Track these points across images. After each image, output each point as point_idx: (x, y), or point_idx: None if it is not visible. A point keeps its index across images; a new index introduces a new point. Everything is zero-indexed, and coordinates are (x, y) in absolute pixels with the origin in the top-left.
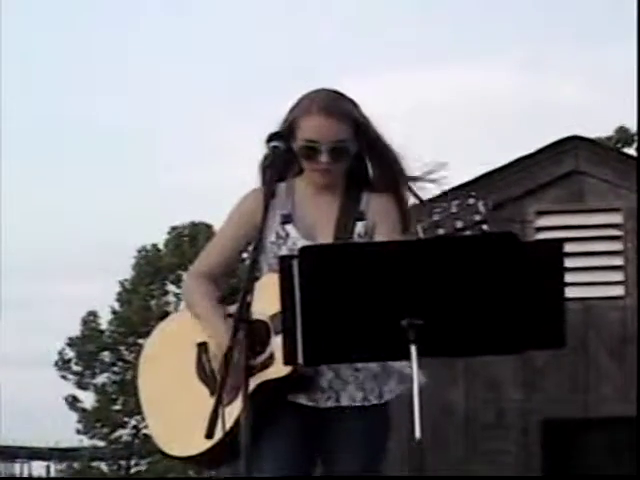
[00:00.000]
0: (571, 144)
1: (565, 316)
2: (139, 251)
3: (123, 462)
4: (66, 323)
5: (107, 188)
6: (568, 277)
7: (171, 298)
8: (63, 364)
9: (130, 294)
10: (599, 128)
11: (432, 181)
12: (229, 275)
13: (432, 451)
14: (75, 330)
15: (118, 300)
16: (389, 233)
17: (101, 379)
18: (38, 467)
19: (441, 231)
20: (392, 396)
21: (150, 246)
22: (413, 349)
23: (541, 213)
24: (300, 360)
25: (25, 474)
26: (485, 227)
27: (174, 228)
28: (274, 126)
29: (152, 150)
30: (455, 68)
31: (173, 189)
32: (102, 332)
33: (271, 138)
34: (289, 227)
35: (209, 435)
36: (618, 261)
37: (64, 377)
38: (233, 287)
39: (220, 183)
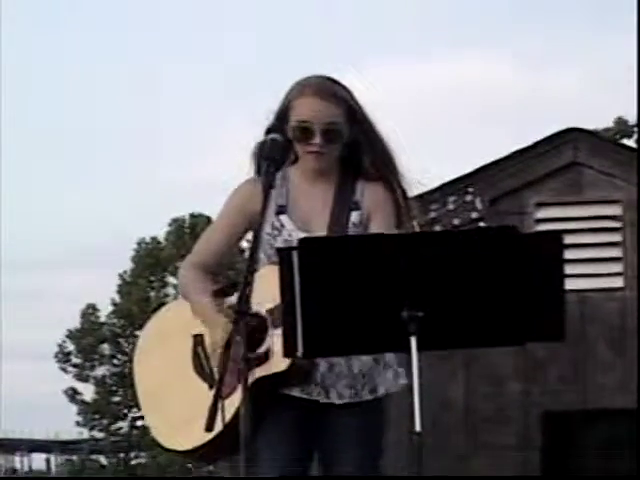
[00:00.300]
0: (570, 136)
1: (565, 309)
2: (138, 243)
3: (123, 455)
4: (66, 316)
5: (107, 182)
6: (567, 269)
7: (170, 290)
8: (63, 357)
9: (130, 286)
10: (598, 120)
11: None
12: (224, 265)
13: (432, 444)
14: (74, 323)
15: (118, 292)
16: (383, 228)
17: (101, 371)
18: (38, 459)
19: (438, 228)
20: (386, 392)
21: (149, 238)
22: (413, 341)
23: (540, 205)
24: (300, 352)
25: (25, 466)
26: (482, 224)
27: (175, 220)
28: (270, 114)
29: (152, 144)
30: (453, 60)
31: (172, 183)
32: (102, 325)
33: (270, 130)
34: (284, 218)
35: (209, 428)
36: (617, 253)
37: (64, 370)
38: (232, 280)
39: (219, 175)
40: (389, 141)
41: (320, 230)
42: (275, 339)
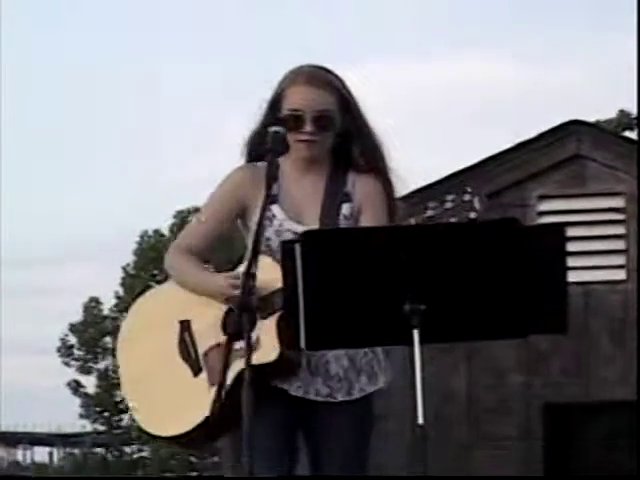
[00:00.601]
0: (573, 128)
1: (567, 301)
2: (141, 236)
3: (125, 448)
4: (68, 310)
5: (108, 176)
6: (570, 261)
7: None
8: (65, 350)
9: (133, 279)
10: (600, 111)
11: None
12: (211, 252)
13: (435, 436)
14: (77, 317)
15: (122, 285)
16: (373, 222)
17: (103, 364)
18: (41, 452)
19: None
20: (362, 394)
21: (152, 231)
22: (416, 334)
23: (543, 197)
24: (302, 345)
25: (28, 460)
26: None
27: (180, 212)
28: (264, 103)
29: (154, 139)
30: (453, 59)
31: (174, 177)
32: (104, 318)
33: (273, 123)
34: (275, 207)
35: (213, 415)
36: (620, 245)
37: (66, 363)
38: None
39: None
40: (380, 134)
41: (311, 221)
42: (264, 329)
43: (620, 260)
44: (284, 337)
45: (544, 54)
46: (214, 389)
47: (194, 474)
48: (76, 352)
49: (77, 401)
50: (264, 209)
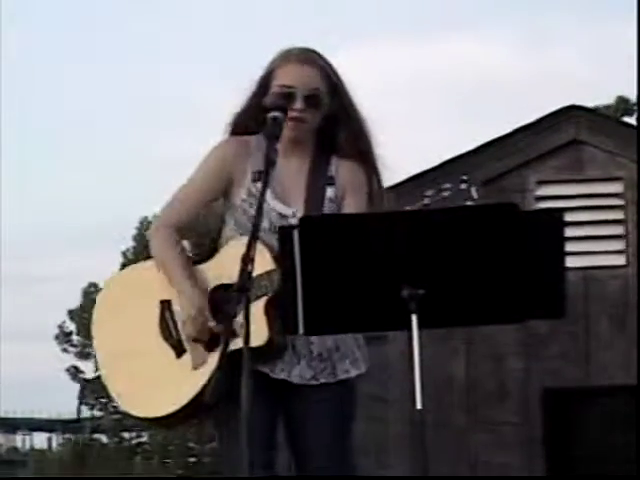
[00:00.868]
0: (571, 113)
1: (566, 286)
2: (141, 222)
3: (125, 434)
4: (67, 296)
5: (106, 162)
6: (569, 246)
7: None
8: (64, 337)
9: (132, 264)
10: (599, 97)
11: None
12: (192, 227)
13: (434, 421)
14: (76, 303)
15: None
16: (356, 209)
17: None
18: (40, 438)
19: None
20: (346, 377)
21: (152, 217)
22: (414, 319)
23: (541, 182)
24: (301, 330)
25: (27, 446)
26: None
27: None
28: (253, 84)
29: (151, 124)
30: (452, 39)
31: (173, 161)
32: None
33: (271, 108)
34: (261, 185)
35: (211, 399)
36: (619, 230)
37: (65, 350)
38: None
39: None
40: (367, 120)
41: (297, 202)
42: (253, 312)
43: (619, 245)
44: (273, 321)
45: (542, 39)
46: (198, 372)
47: (193, 460)
48: (75, 338)
49: (76, 387)
50: (263, 194)
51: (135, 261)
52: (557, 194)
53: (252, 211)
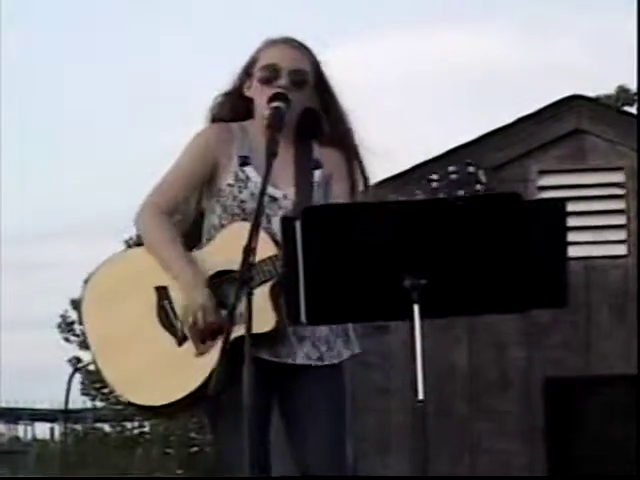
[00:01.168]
0: (573, 103)
1: (567, 275)
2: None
3: (127, 424)
4: (70, 286)
5: (108, 149)
6: (570, 236)
7: None
8: (66, 326)
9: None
10: (600, 87)
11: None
12: (181, 210)
13: (436, 410)
14: (78, 292)
15: None
16: (344, 193)
17: None
18: (42, 428)
19: None
20: (340, 359)
21: None
22: (416, 309)
23: (543, 172)
24: (303, 319)
25: (29, 435)
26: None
27: None
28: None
29: (153, 112)
30: (452, 29)
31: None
32: None
33: (273, 98)
34: (249, 169)
35: (213, 390)
36: (620, 220)
37: (67, 339)
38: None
39: None
40: (348, 109)
41: (287, 185)
42: (255, 299)
43: (621, 235)
44: (279, 306)
45: (543, 30)
46: (202, 359)
47: (194, 450)
48: (77, 327)
49: (78, 377)
50: (264, 186)
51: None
52: (559, 184)
53: (242, 196)
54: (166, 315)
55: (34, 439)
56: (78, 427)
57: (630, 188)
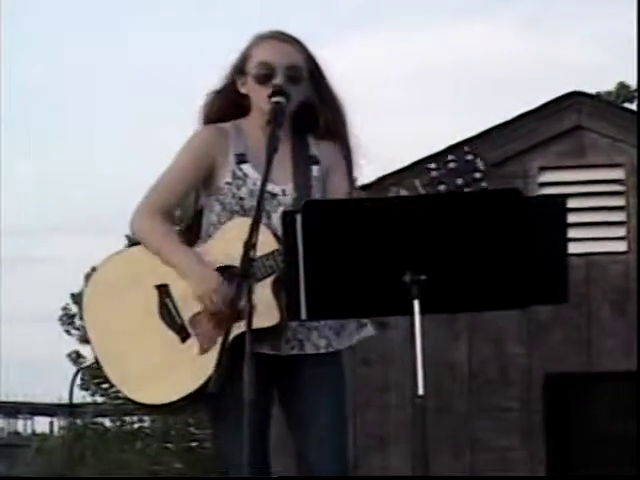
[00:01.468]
0: (573, 99)
1: (568, 271)
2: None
3: (127, 418)
4: (70, 279)
5: (111, 145)
6: (571, 232)
7: None
8: (67, 319)
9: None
10: (600, 83)
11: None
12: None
13: (435, 407)
14: (79, 287)
15: None
16: (341, 188)
17: None
18: (41, 423)
19: (442, 187)
20: (351, 342)
21: None
22: (416, 305)
23: (544, 169)
24: (303, 315)
25: (28, 430)
26: (484, 184)
27: None
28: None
29: (156, 108)
30: (454, 28)
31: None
32: None
33: (274, 94)
34: (246, 167)
35: (215, 388)
36: (620, 217)
37: (68, 332)
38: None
39: None
40: (342, 101)
41: (285, 180)
42: (258, 294)
43: (621, 232)
44: (282, 301)
45: (544, 27)
46: (206, 356)
47: (194, 444)
48: (78, 321)
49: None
50: (264, 183)
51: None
52: (559, 180)
53: (240, 193)
54: (168, 313)
55: (33, 433)
56: (78, 421)
57: (630, 185)
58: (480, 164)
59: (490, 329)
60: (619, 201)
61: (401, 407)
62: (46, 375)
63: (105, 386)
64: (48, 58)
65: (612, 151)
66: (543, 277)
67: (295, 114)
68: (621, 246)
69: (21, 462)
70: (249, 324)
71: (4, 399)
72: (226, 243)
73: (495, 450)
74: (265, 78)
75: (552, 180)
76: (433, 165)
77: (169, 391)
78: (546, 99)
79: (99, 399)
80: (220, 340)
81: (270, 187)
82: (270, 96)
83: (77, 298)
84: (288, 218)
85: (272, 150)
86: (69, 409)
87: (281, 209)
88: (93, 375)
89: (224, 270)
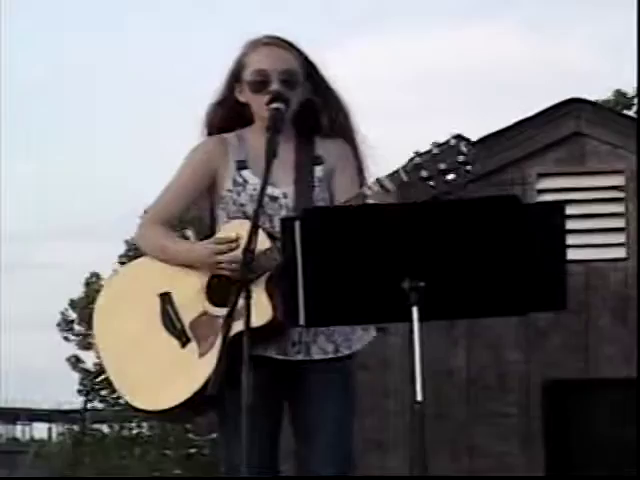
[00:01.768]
0: (572, 106)
1: (566, 278)
2: (145, 212)
3: (126, 424)
4: (69, 286)
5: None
6: (570, 239)
7: None
8: (65, 325)
9: (134, 254)
10: (597, 91)
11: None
12: (179, 222)
13: (434, 413)
14: (78, 292)
15: (121, 263)
16: (348, 184)
17: None
18: (40, 429)
19: (424, 173)
20: (360, 345)
21: None
22: (415, 311)
23: (543, 175)
24: (302, 321)
25: (27, 436)
26: (469, 168)
27: None
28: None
29: (158, 115)
30: (452, 31)
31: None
32: None
33: (273, 100)
34: (246, 173)
35: (213, 389)
36: (620, 223)
37: (66, 338)
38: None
39: None
40: (345, 100)
41: (286, 185)
42: (254, 293)
43: (620, 238)
44: (275, 299)
45: (543, 34)
46: (205, 359)
47: (193, 451)
48: (76, 327)
49: (76, 377)
50: (264, 187)
51: (136, 250)
52: (558, 187)
53: (241, 199)
54: (170, 319)
55: (32, 439)
56: (76, 428)
57: (630, 191)
58: (464, 147)
59: (489, 335)
60: (618, 208)
61: (400, 413)
62: (45, 381)
63: (104, 392)
64: (48, 58)
65: (611, 158)
66: (542, 284)
67: (297, 115)
68: (620, 253)
69: (20, 469)
70: (247, 326)
71: (3, 405)
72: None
73: (493, 456)
74: (261, 85)
75: (551, 187)
76: (419, 152)
77: (170, 397)
78: (545, 105)
79: (99, 405)
80: (217, 343)
81: (271, 190)
82: (268, 103)
83: (75, 304)
84: (287, 224)
85: (271, 156)
86: (68, 415)
87: (283, 212)
88: (93, 381)
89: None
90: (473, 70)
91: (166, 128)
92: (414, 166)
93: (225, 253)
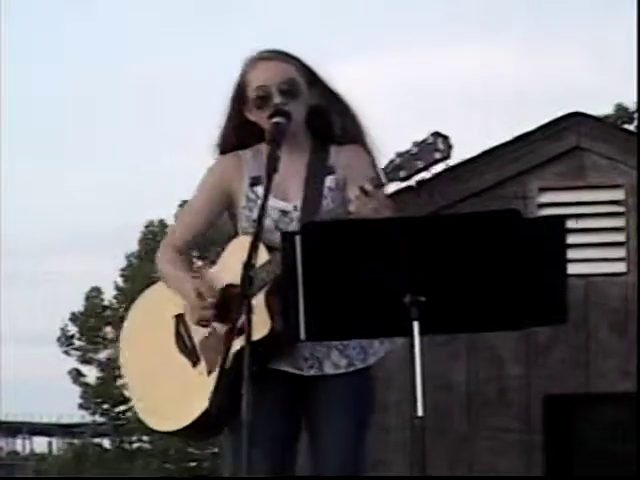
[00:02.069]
0: (573, 120)
1: (567, 292)
2: (146, 226)
3: (125, 438)
4: (69, 300)
5: (111, 166)
6: (570, 253)
7: None
8: (65, 340)
9: (134, 269)
10: (598, 106)
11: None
12: (200, 245)
13: (434, 427)
14: (78, 306)
15: (122, 276)
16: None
17: (104, 355)
18: (40, 442)
19: (402, 173)
20: (376, 359)
21: (157, 221)
22: (416, 326)
23: (543, 189)
24: (302, 336)
25: (27, 449)
26: (448, 162)
27: (185, 201)
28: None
29: (157, 128)
30: (453, 47)
31: (181, 166)
32: (105, 308)
33: (273, 114)
34: (258, 189)
35: (211, 408)
36: (620, 237)
37: (66, 353)
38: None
39: None
40: (353, 104)
41: (296, 196)
42: (255, 305)
43: (620, 253)
44: (274, 311)
45: (543, 50)
46: (212, 377)
47: (193, 464)
48: (76, 342)
49: (77, 391)
50: (265, 203)
51: (138, 265)
52: (559, 201)
53: (253, 215)
54: (182, 340)
55: (32, 453)
56: (76, 441)
57: (630, 206)
58: (440, 144)
59: (489, 350)
60: (619, 222)
61: (400, 428)
62: (45, 395)
63: (106, 406)
64: (48, 59)
65: (611, 172)
66: (542, 298)
67: (310, 123)
68: (621, 267)
69: None
70: (248, 341)
71: (3, 419)
72: (230, 261)
73: (494, 471)
74: (263, 101)
75: (551, 201)
76: (398, 151)
77: (183, 416)
78: (545, 120)
79: (99, 419)
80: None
81: (282, 205)
82: (269, 117)
83: (76, 318)
84: (287, 239)
85: (271, 171)
86: (68, 429)
87: (294, 225)
88: (96, 395)
89: (232, 287)
90: (471, 87)
91: (169, 139)
92: (395, 167)
93: (205, 307)
